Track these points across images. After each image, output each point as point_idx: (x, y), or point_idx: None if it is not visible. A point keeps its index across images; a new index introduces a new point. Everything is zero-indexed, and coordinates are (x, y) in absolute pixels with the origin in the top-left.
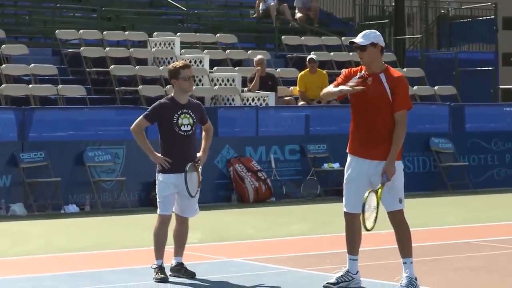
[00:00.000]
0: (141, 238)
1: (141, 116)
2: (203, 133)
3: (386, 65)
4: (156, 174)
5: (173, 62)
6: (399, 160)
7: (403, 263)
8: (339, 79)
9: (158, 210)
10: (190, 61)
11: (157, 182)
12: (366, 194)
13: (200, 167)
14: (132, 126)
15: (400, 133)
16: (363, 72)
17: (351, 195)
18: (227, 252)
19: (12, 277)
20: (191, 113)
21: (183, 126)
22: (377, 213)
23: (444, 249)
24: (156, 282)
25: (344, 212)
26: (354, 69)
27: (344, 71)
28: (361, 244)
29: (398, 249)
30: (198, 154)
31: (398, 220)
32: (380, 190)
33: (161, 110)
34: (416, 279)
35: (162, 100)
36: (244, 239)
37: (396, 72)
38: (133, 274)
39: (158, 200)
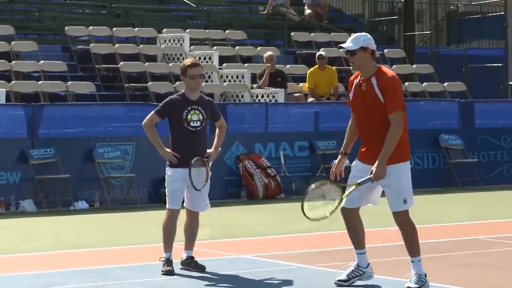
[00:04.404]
0: (151, 234)
1: (153, 112)
2: (217, 129)
3: (378, 66)
4: (166, 168)
5: (183, 58)
6: (407, 160)
7: (411, 262)
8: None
9: (167, 204)
10: (200, 58)
11: (166, 177)
12: (318, 183)
13: (210, 162)
14: (144, 121)
15: (393, 134)
16: (358, 78)
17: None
18: (236, 249)
19: (22, 273)
20: (201, 110)
21: (192, 122)
22: (336, 207)
23: (454, 245)
24: (162, 274)
25: (342, 207)
26: (352, 77)
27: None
28: (371, 240)
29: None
30: (209, 150)
31: (402, 221)
32: (353, 187)
33: (171, 105)
34: (425, 276)
35: (173, 96)
36: (253, 236)
37: (387, 73)
38: (142, 271)
39: (167, 194)
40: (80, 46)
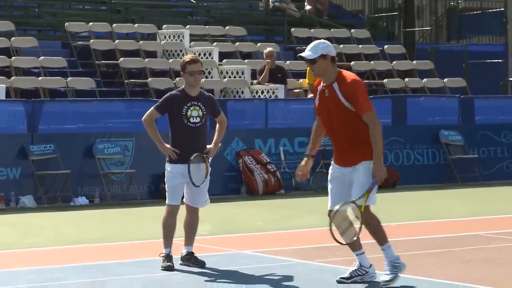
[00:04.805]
0: (150, 230)
1: (152, 107)
2: (217, 125)
3: (339, 71)
4: (165, 164)
5: (183, 54)
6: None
7: (382, 249)
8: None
9: (167, 200)
10: (200, 54)
11: (166, 173)
12: (337, 206)
13: (210, 158)
14: (143, 117)
15: (374, 134)
16: (321, 84)
17: (330, 194)
18: (236, 245)
19: (22, 269)
20: (201, 106)
21: (192, 118)
22: (361, 223)
23: (454, 241)
24: (162, 270)
25: (328, 211)
26: (315, 82)
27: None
28: (370, 236)
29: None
30: (209, 146)
31: (365, 217)
32: (365, 198)
33: (171, 101)
34: (398, 259)
35: (173, 92)
36: (253, 231)
37: (348, 77)
38: (142, 266)
39: (166, 190)
40: (80, 42)
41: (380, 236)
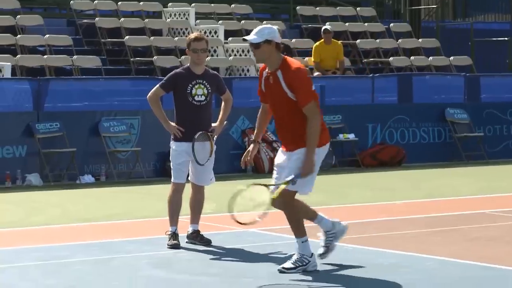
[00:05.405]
0: (156, 208)
1: (157, 85)
2: (222, 103)
3: (283, 58)
4: (170, 142)
5: (188, 33)
6: (318, 147)
7: (296, 242)
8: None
9: (172, 178)
10: (205, 32)
11: (171, 151)
12: (244, 187)
13: (215, 136)
14: (148, 95)
15: (311, 126)
16: (266, 70)
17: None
18: None
19: (28, 246)
20: (206, 84)
21: (197, 96)
22: (267, 208)
23: (460, 219)
24: (168, 248)
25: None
26: (261, 68)
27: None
28: (377, 214)
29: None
30: (214, 124)
31: (286, 202)
32: (283, 186)
33: (176, 79)
34: (311, 256)
35: (178, 70)
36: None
37: (292, 64)
38: (148, 244)
39: (171, 168)
40: (85, 20)
41: (295, 227)
